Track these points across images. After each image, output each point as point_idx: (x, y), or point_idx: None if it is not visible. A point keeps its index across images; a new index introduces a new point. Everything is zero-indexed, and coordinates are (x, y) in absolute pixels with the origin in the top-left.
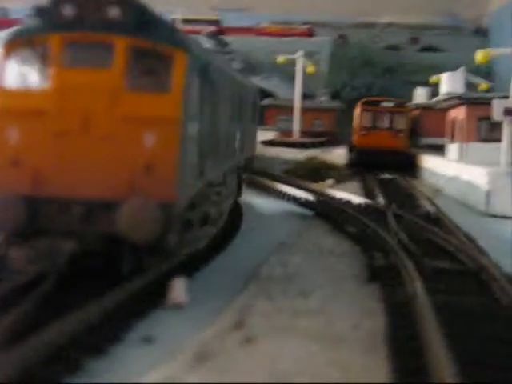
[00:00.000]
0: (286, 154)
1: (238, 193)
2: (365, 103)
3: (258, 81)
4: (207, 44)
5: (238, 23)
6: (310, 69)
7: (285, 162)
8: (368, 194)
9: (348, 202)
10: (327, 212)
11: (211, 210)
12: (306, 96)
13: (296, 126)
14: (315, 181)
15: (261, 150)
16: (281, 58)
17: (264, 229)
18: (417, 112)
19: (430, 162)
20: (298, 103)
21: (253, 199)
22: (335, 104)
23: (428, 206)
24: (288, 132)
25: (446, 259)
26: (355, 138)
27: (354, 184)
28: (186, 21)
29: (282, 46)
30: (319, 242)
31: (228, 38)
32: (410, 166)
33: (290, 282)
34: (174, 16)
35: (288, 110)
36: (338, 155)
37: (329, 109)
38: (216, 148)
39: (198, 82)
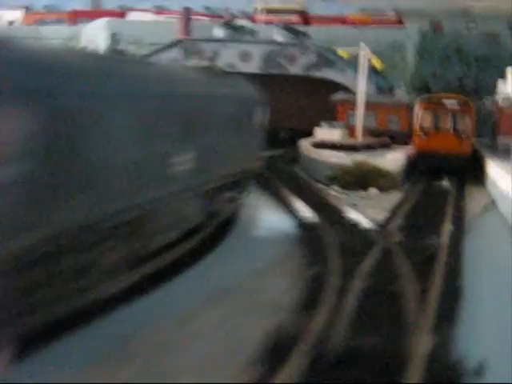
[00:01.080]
0: (336, 158)
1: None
2: (425, 101)
3: (332, 74)
4: (278, 35)
5: (326, 12)
6: (376, 62)
7: (330, 168)
8: (398, 209)
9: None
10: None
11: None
12: (382, 90)
13: (359, 124)
14: (360, 189)
15: (310, 152)
16: (341, 51)
17: None
18: (495, 107)
19: (493, 168)
20: (361, 97)
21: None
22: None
23: (444, 237)
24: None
25: None
26: (414, 141)
27: (398, 195)
28: (269, 11)
29: (366, 35)
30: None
31: (309, 29)
32: (475, 172)
33: None
34: (256, 5)
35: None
36: (397, 159)
37: (407, 104)
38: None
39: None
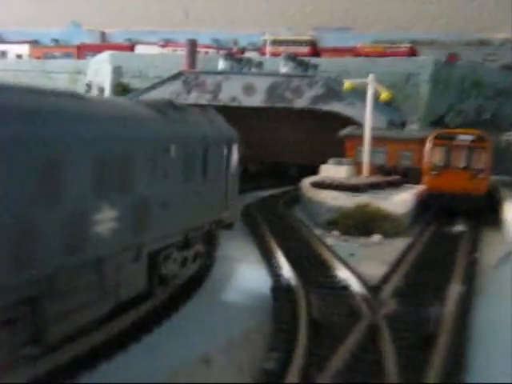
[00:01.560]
0: (335, 200)
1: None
2: (436, 137)
3: (340, 107)
4: (284, 67)
5: (338, 43)
6: (384, 95)
7: (328, 210)
8: (400, 261)
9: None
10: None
11: None
12: (393, 124)
13: (366, 161)
14: (362, 235)
15: (310, 192)
16: (348, 83)
17: None
18: None
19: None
20: (368, 131)
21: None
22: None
23: (450, 304)
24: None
25: None
26: (424, 179)
27: (403, 242)
28: (278, 42)
29: (378, 67)
30: None
31: (320, 60)
32: (492, 214)
33: None
34: (265, 37)
35: (373, 140)
36: (404, 200)
37: (420, 138)
38: None
39: None
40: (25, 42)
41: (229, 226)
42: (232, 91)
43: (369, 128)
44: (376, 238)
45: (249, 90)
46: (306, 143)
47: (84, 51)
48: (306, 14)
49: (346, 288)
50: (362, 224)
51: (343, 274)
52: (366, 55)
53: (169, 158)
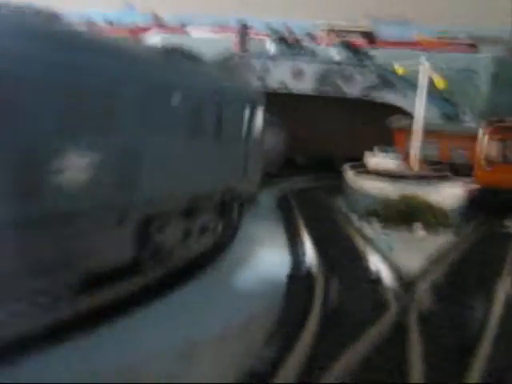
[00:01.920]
0: (379, 189)
1: None
2: (491, 126)
3: (393, 98)
4: (336, 54)
5: (396, 35)
6: (439, 83)
7: (370, 200)
8: (443, 257)
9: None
10: None
11: None
12: (447, 116)
13: (415, 153)
14: (404, 227)
15: (353, 181)
16: (399, 67)
17: None
18: None
19: None
20: (419, 122)
21: None
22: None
23: (496, 307)
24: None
25: None
26: (477, 175)
27: (448, 238)
28: (332, 31)
29: (435, 61)
30: None
31: (375, 51)
32: None
33: None
34: (319, 26)
35: (424, 133)
36: (454, 194)
37: (476, 134)
38: None
39: None
40: (80, 22)
41: (249, 200)
42: (280, 75)
43: (420, 119)
44: (418, 231)
45: (298, 74)
46: (358, 135)
47: (137, 33)
48: (363, 4)
49: (375, 281)
50: (406, 216)
51: (376, 266)
52: (424, 48)
53: (169, 107)
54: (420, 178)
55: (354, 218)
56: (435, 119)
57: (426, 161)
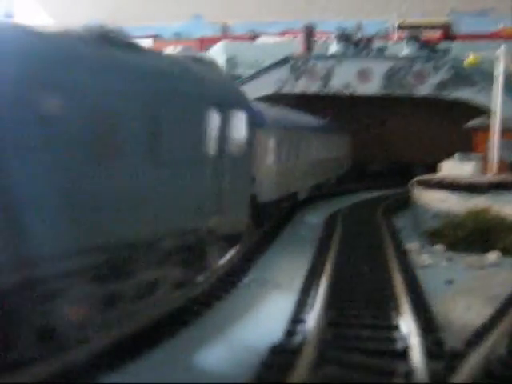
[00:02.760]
0: (442, 203)
1: None
2: None
3: (471, 94)
4: (406, 49)
5: (476, 28)
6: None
7: (433, 217)
8: None
9: None
10: None
11: None
12: None
13: (494, 156)
14: (478, 251)
15: (417, 194)
16: (471, 58)
17: None
18: None
19: None
20: (497, 120)
21: None
22: None
23: None
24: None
25: None
26: None
27: None
28: (404, 26)
29: None
30: None
31: (451, 44)
32: None
33: None
34: (392, 22)
35: (506, 133)
36: None
37: None
38: None
39: None
40: (147, 36)
41: (231, 240)
42: (345, 77)
43: (499, 115)
44: (492, 256)
45: (364, 75)
46: (434, 137)
47: (205, 44)
48: None
49: (400, 354)
50: (476, 236)
51: (409, 324)
52: (507, 39)
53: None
54: (497, 185)
55: (412, 240)
56: None
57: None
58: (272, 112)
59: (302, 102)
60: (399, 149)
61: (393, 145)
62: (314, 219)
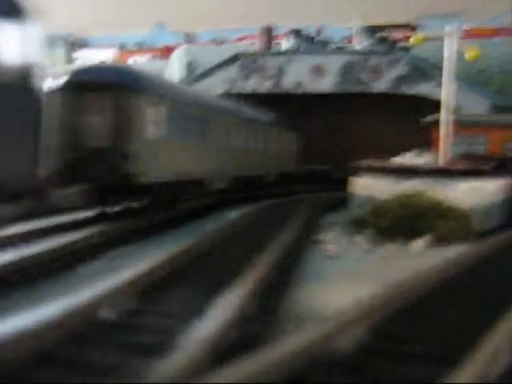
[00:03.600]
0: (368, 189)
1: None
2: None
3: (429, 89)
4: (362, 43)
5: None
6: (471, 53)
7: (360, 205)
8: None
9: None
10: None
11: None
12: (499, 109)
13: (444, 148)
14: (408, 238)
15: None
16: (416, 37)
17: None
18: None
19: None
20: (444, 114)
21: None
22: None
23: None
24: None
25: None
26: None
27: (461, 251)
28: (367, 28)
29: (487, 50)
30: None
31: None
32: None
33: None
34: (353, 23)
35: (468, 128)
36: (482, 191)
37: None
38: None
39: None
40: (110, 46)
41: None
42: (297, 75)
43: (447, 106)
44: (418, 244)
45: (317, 72)
46: (395, 135)
47: (169, 53)
48: (406, 1)
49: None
50: (405, 224)
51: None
52: (473, 37)
53: None
54: (436, 171)
55: (338, 230)
56: (484, 112)
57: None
58: (162, 81)
59: (257, 100)
60: (358, 148)
61: (351, 144)
62: (233, 214)
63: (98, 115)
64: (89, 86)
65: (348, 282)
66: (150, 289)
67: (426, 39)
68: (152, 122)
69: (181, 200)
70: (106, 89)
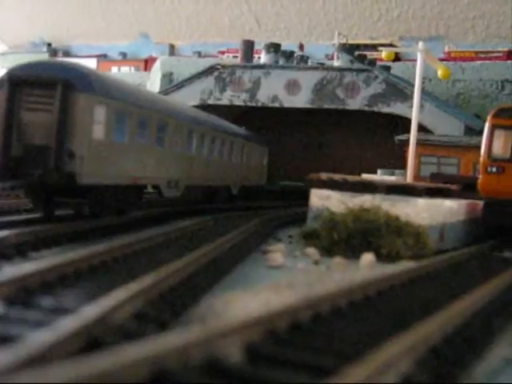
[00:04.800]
0: (323, 200)
1: None
2: (498, 114)
3: (405, 109)
4: (338, 60)
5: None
6: (442, 71)
7: (314, 217)
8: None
9: None
10: None
11: None
12: (473, 131)
13: (409, 169)
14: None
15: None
16: (387, 52)
17: None
18: None
19: None
20: (413, 131)
21: None
22: None
23: None
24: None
25: None
26: (480, 183)
27: (406, 267)
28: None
29: (466, 73)
30: None
31: (394, 64)
32: None
33: None
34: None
35: (437, 149)
36: (436, 207)
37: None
38: None
39: None
40: (93, 56)
41: None
42: (272, 89)
43: (415, 124)
44: (367, 258)
45: (292, 87)
46: (369, 156)
47: (151, 65)
48: (391, 20)
49: None
50: (357, 237)
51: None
52: (453, 60)
53: None
54: (397, 188)
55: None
56: (458, 133)
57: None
58: (114, 81)
59: (233, 112)
60: (334, 165)
61: (327, 161)
62: (186, 223)
63: (43, 112)
64: (35, 81)
65: (273, 291)
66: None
67: (396, 54)
68: (99, 122)
69: (129, 206)
70: (53, 85)
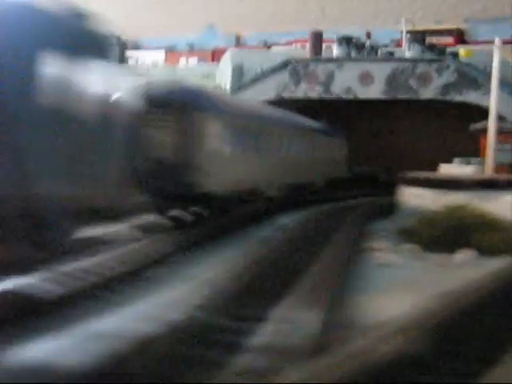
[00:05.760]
0: (416, 199)
1: None
2: None
3: (478, 97)
4: (410, 51)
5: (494, 35)
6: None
7: (408, 215)
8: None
9: None
10: None
11: None
12: None
13: (490, 159)
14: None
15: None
16: (464, 50)
17: None
18: None
19: None
20: (492, 122)
21: None
22: None
23: None
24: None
25: None
26: None
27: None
28: (415, 32)
29: None
30: None
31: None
32: None
33: None
34: (402, 29)
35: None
36: None
37: None
38: None
39: None
40: (161, 48)
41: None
42: (346, 81)
43: (494, 114)
44: (462, 255)
45: (366, 79)
46: (439, 144)
47: (218, 55)
48: (455, 3)
49: None
50: (451, 235)
51: None
52: None
53: None
54: (483, 183)
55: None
56: None
57: None
58: (221, 97)
59: (306, 107)
60: (405, 154)
61: (398, 150)
62: (285, 220)
63: (168, 132)
64: (161, 104)
65: (400, 291)
66: None
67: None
68: (218, 137)
69: (237, 207)
70: (175, 108)
